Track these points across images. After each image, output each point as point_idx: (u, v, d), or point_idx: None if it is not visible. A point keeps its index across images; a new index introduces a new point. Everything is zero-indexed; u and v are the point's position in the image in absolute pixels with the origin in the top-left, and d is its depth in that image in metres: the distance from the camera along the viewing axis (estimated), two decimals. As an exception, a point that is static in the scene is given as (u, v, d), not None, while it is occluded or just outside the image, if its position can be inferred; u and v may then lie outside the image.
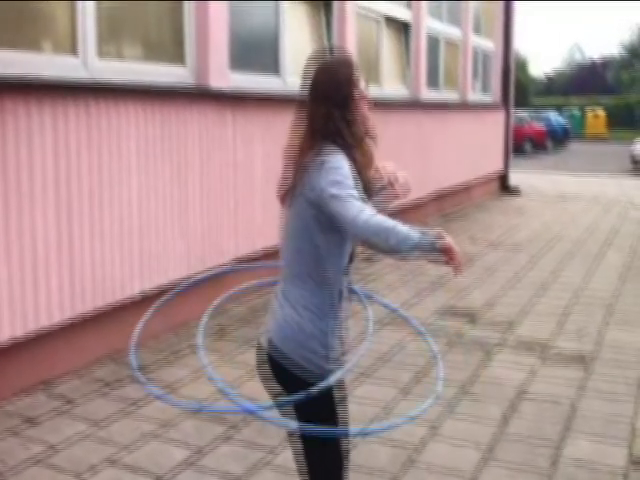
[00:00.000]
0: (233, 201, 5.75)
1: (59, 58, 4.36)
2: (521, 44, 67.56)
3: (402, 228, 1.96)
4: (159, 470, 3.31)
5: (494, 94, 14.06)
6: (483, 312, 5.93)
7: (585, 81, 54.63)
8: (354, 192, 2.03)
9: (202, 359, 2.54)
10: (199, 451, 3.51)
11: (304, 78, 2.24)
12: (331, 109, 2.15)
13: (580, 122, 40.37)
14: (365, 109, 2.24)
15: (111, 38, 4.79)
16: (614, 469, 3.42)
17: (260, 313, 5.71)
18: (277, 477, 3.30)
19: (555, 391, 4.34)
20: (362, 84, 2.24)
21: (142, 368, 4.52)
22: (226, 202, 5.67)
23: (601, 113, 40.67)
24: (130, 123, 4.64)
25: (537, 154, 28.45)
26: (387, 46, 9.17)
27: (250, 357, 4.73)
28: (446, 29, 11.22)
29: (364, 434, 3.59)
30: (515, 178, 14.90)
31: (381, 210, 2.16)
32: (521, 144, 26.42)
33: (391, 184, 2.35)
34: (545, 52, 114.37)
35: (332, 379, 2.19)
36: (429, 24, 10.28)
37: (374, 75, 8.64)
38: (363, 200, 2.05)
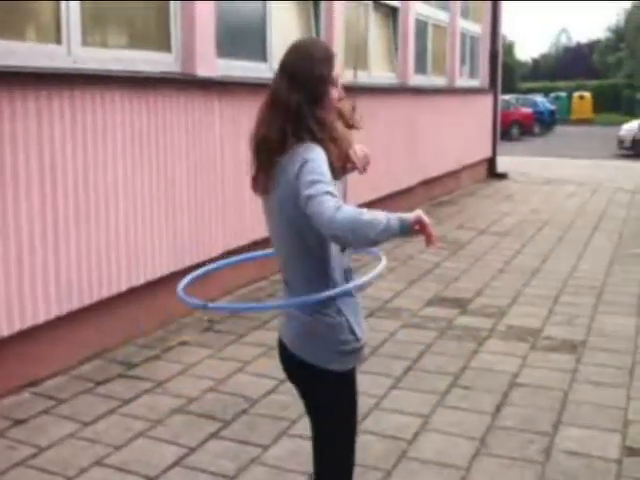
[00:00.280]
0: (221, 193, 5.67)
1: (43, 47, 4.25)
2: (508, 28, 67.38)
3: (379, 218, 1.91)
4: (149, 470, 3.26)
5: (482, 78, 14.01)
6: (473, 300, 5.91)
7: (571, 64, 54.65)
8: (330, 188, 1.96)
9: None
10: (189, 449, 3.46)
11: (280, 65, 2.19)
12: (301, 99, 2.09)
13: (567, 106, 40.43)
14: (334, 104, 2.17)
15: (95, 26, 4.69)
16: (607, 458, 3.41)
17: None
18: (269, 474, 3.26)
19: (547, 379, 4.32)
20: (338, 75, 2.18)
21: (131, 365, 4.48)
22: (214, 194, 5.59)
23: (587, 95, 40.74)
24: (115, 112, 4.55)
25: (524, 138, 28.45)
26: (375, 31, 9.08)
27: (240, 351, 4.72)
28: (434, 13, 11.14)
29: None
30: (503, 163, 14.88)
31: (343, 187, 2.19)
32: (508, 128, 26.41)
33: (352, 160, 2.26)
34: (532, 36, 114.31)
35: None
36: (417, 8, 10.19)
37: (362, 60, 8.56)
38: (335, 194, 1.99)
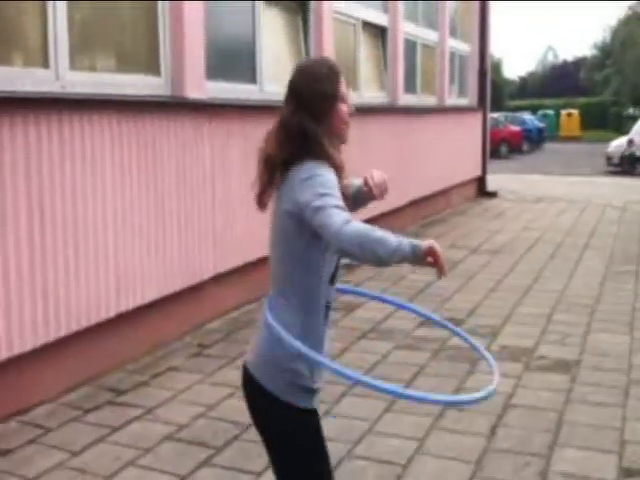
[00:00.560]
0: (212, 215, 5.64)
1: (30, 71, 4.23)
2: (495, 47, 68.04)
3: (391, 239, 1.88)
4: (140, 498, 3.20)
5: (471, 97, 14.07)
6: (466, 320, 5.88)
7: (558, 82, 55.10)
8: (340, 203, 1.96)
9: None
10: (180, 478, 3.40)
11: (287, 85, 2.18)
12: (305, 119, 2.08)
13: (554, 123, 40.74)
14: (345, 120, 2.17)
15: (84, 49, 4.67)
16: (605, 482, 3.37)
17: (239, 328, 5.62)
18: (262, 501, 3.20)
19: (541, 400, 4.29)
20: (345, 91, 2.17)
21: (119, 391, 4.41)
22: (204, 216, 5.55)
23: (575, 113, 41.07)
24: (104, 137, 4.52)
25: (513, 156, 28.60)
26: (364, 51, 9.11)
27: (231, 375, 4.66)
28: (423, 33, 11.20)
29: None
30: (492, 181, 14.92)
31: (357, 211, 2.14)
32: (497, 146, 26.54)
33: (367, 184, 2.24)
34: (518, 55, 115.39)
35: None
36: (406, 28, 10.25)
37: (352, 81, 8.58)
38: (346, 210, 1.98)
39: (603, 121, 43.93)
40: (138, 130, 4.82)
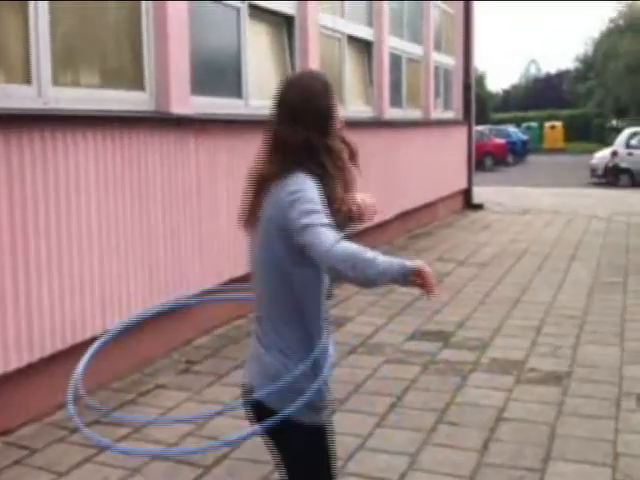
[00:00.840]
0: (198, 231, 5.59)
1: (12, 87, 4.17)
2: (478, 60, 68.53)
3: (381, 259, 1.84)
4: (127, 521, 3.13)
5: (456, 110, 14.13)
6: (455, 333, 5.85)
7: (541, 95, 55.54)
8: (327, 220, 1.92)
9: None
10: (170, 497, 3.34)
11: (278, 102, 2.12)
12: (311, 136, 2.03)
13: (538, 135, 41.03)
14: (341, 137, 2.14)
15: (67, 65, 4.63)
16: (599, 495, 3.34)
17: (228, 344, 5.56)
18: (253, 522, 3.14)
19: (533, 413, 4.26)
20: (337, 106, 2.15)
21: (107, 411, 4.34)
22: (190, 232, 5.50)
23: (558, 125, 41.39)
24: (88, 153, 4.47)
25: (498, 168, 28.74)
26: (350, 65, 9.13)
27: (220, 392, 4.60)
28: (408, 47, 11.24)
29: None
30: (478, 193, 14.96)
31: (346, 234, 2.07)
32: (482, 159, 26.66)
33: (358, 208, 2.22)
34: (501, 68, 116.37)
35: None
36: (391, 43, 10.28)
37: (338, 95, 8.57)
38: (336, 229, 1.94)
39: (586, 133, 44.28)
40: (123, 146, 4.77)
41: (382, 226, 9.47)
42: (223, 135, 5.85)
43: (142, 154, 4.95)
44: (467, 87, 14.11)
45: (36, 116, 4.16)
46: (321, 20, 7.96)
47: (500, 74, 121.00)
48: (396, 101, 10.71)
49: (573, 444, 3.84)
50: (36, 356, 4.11)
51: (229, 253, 5.80)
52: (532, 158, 34.39)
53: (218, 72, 6.35)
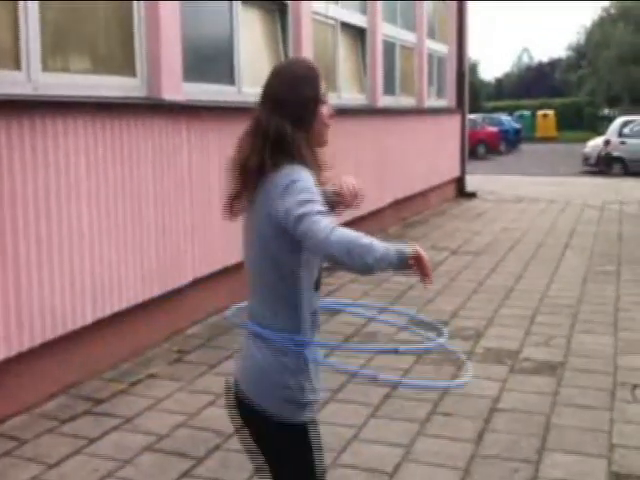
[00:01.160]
0: (190, 219, 5.52)
1: (1, 73, 4.09)
2: (471, 49, 68.51)
3: (378, 245, 1.83)
4: (119, 514, 3.09)
5: (449, 98, 14.07)
6: (449, 322, 5.82)
7: (534, 83, 55.52)
8: (322, 208, 1.89)
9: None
10: (162, 489, 3.30)
11: (263, 89, 2.08)
12: (286, 125, 1.99)
13: (531, 124, 41.01)
14: (325, 122, 2.09)
15: (57, 50, 4.54)
16: (595, 487, 3.32)
17: (220, 333, 5.51)
18: (246, 514, 3.11)
19: (528, 403, 4.23)
20: (325, 93, 2.09)
21: (97, 401, 4.29)
22: (183, 220, 5.44)
23: (550, 113, 41.40)
24: (79, 140, 4.39)
25: (491, 157, 28.72)
26: (343, 52, 9.05)
27: (212, 382, 4.56)
28: (401, 34, 11.16)
29: None
30: (471, 181, 14.93)
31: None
32: (475, 147, 26.64)
33: (341, 193, 2.19)
34: (494, 56, 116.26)
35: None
36: (385, 30, 10.20)
37: (331, 82, 8.51)
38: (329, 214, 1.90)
39: (579, 121, 44.31)
40: (113, 132, 4.70)
41: (376, 214, 9.43)
42: (215, 122, 5.78)
43: (133, 141, 4.88)
44: (460, 75, 14.05)
45: (26, 102, 4.08)
46: (314, 7, 7.88)
47: (493, 63, 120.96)
48: (389, 89, 10.64)
49: (568, 435, 3.82)
50: (26, 346, 4.06)
51: (222, 241, 5.74)
52: (525, 146, 34.39)
53: (210, 58, 6.26)
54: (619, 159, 21.15)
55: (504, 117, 35.62)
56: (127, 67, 5.13)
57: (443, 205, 13.01)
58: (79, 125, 4.39)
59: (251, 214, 2.04)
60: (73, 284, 4.38)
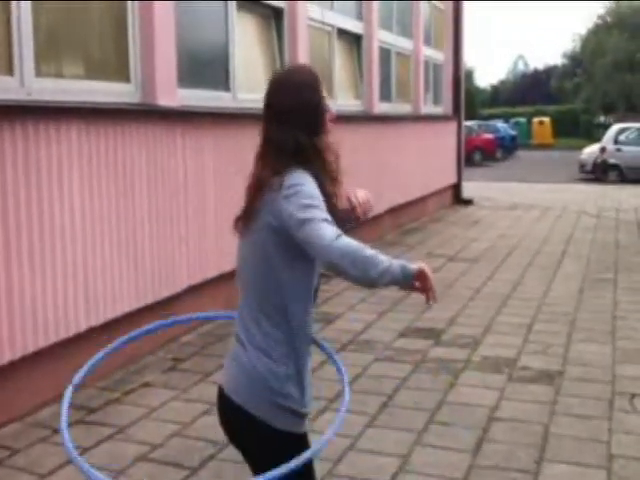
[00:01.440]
0: (185, 225, 5.48)
1: (-7, 78, 4.05)
2: (466, 56, 68.66)
3: (382, 258, 1.79)
4: (111, 526, 3.04)
5: (445, 105, 14.06)
6: (446, 330, 5.78)
7: (529, 90, 55.64)
8: (327, 215, 1.85)
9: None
10: (155, 501, 3.24)
11: (266, 102, 2.04)
12: (299, 136, 1.95)
13: (526, 131, 41.08)
14: (328, 128, 2.06)
15: (50, 55, 4.50)
16: (594, 498, 3.28)
17: (214, 341, 5.46)
18: (240, 526, 3.05)
19: (526, 413, 4.19)
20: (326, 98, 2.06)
21: (90, 409, 4.23)
22: (177, 227, 5.39)
23: (546, 121, 41.48)
24: (72, 146, 4.35)
25: (487, 163, 28.74)
26: (339, 59, 9.03)
27: (206, 391, 4.50)
28: (397, 41, 11.15)
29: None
30: (467, 188, 14.91)
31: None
32: (471, 154, 26.65)
33: (352, 205, 2.16)
34: (490, 63, 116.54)
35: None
36: (380, 36, 10.19)
37: (327, 89, 8.47)
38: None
39: (574, 129, 44.40)
40: (107, 139, 4.65)
41: (373, 221, 9.39)
42: (210, 128, 5.74)
43: (127, 147, 4.83)
44: (456, 82, 14.04)
45: (18, 107, 4.04)
46: (310, 13, 7.85)
47: (488, 70, 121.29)
48: (386, 95, 10.62)
49: (567, 445, 3.78)
50: (18, 354, 4.00)
51: (217, 248, 5.69)
52: (521, 153, 34.43)
53: (205, 64, 6.23)
54: (615, 166, 21.17)
55: (500, 124, 35.67)
56: (121, 72, 5.09)
57: (440, 212, 12.98)
58: (72, 131, 4.35)
59: (255, 219, 1.99)
60: (66, 291, 4.33)
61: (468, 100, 20.74)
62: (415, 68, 11.99)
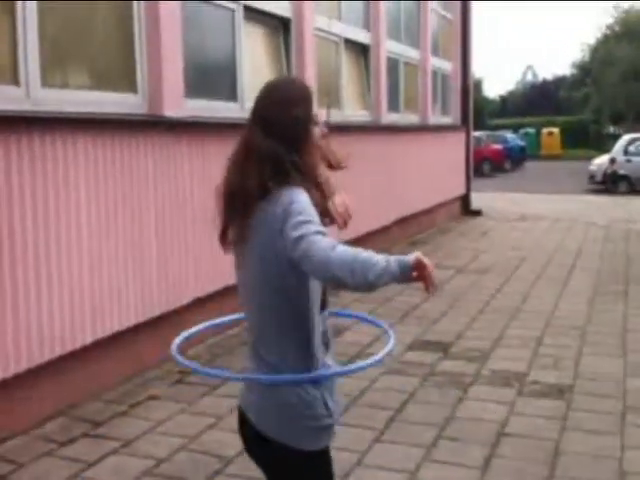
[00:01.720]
0: (192, 237, 5.44)
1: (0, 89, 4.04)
2: (475, 66, 68.70)
3: (378, 258, 1.74)
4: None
5: (454, 116, 14.02)
6: (455, 343, 5.71)
7: (538, 101, 55.56)
8: (320, 228, 1.82)
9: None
10: (159, 517, 3.20)
11: (253, 109, 2.02)
12: (278, 148, 1.92)
13: (535, 141, 40.98)
14: (319, 147, 2.02)
15: (56, 66, 4.49)
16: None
17: (221, 354, 5.42)
18: None
19: (536, 428, 4.12)
20: (318, 115, 2.02)
21: (96, 423, 4.19)
22: (184, 239, 5.36)
23: (555, 131, 41.37)
24: (78, 157, 4.33)
25: (496, 174, 28.66)
26: (347, 69, 9.01)
27: (213, 404, 4.46)
28: (405, 51, 11.13)
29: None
30: (476, 199, 14.85)
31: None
32: (480, 165, 26.58)
33: (331, 215, 2.12)
34: (499, 74, 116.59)
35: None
36: (388, 46, 10.17)
37: (335, 99, 8.46)
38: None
39: (584, 139, 44.26)
40: (114, 150, 4.63)
41: (381, 232, 9.36)
42: (217, 138, 5.71)
43: (134, 159, 4.81)
44: (465, 92, 14.01)
45: (24, 118, 4.02)
46: (317, 23, 7.84)
47: (497, 80, 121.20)
48: (394, 105, 10.59)
49: (578, 461, 3.71)
50: (23, 367, 3.97)
51: (224, 260, 5.64)
52: (530, 164, 34.31)
53: (212, 74, 6.22)
54: (625, 177, 21.08)
55: (509, 135, 35.59)
56: (128, 83, 5.08)
57: (448, 223, 12.92)
58: (79, 142, 4.33)
59: (251, 239, 1.94)
60: (72, 304, 4.30)
61: (477, 110, 20.74)
62: (423, 78, 11.97)
